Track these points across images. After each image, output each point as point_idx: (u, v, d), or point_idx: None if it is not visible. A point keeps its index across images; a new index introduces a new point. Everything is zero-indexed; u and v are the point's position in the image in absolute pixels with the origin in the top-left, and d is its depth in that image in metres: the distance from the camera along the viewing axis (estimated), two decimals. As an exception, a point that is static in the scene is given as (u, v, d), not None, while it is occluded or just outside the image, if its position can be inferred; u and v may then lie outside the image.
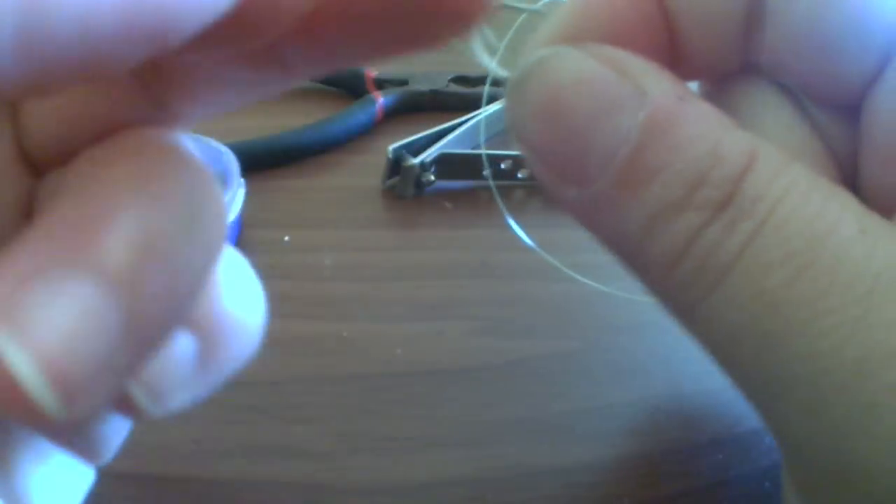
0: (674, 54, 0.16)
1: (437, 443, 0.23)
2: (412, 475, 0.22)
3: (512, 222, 0.29)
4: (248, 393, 0.23)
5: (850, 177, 0.16)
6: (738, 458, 0.23)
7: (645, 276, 0.15)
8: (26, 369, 0.09)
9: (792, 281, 0.12)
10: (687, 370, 0.26)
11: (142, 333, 0.10)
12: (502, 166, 0.35)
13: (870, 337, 0.12)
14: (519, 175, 0.36)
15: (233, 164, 0.31)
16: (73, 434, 0.15)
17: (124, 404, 0.12)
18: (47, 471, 0.16)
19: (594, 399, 0.24)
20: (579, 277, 0.27)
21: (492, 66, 0.15)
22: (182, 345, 0.13)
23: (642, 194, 0.13)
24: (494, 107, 0.39)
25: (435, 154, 0.34)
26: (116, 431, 0.19)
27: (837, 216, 0.13)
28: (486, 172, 0.34)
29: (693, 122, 0.13)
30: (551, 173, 0.14)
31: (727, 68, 0.17)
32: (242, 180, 0.31)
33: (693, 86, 0.17)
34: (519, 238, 0.32)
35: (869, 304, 0.12)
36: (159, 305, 0.10)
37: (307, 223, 0.33)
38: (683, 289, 0.14)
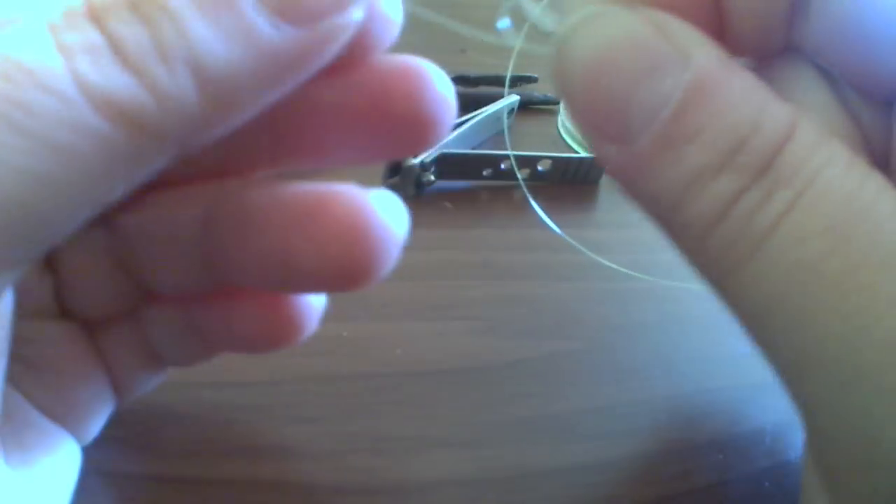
0: (720, 30, 0.16)
1: (437, 443, 0.23)
2: (412, 475, 0.22)
3: (546, 218, 0.29)
4: (248, 393, 0.23)
5: (883, 167, 0.16)
6: (738, 458, 0.23)
7: (681, 239, 0.15)
8: None
9: (827, 254, 0.12)
10: (687, 370, 0.26)
11: None
12: (502, 167, 0.35)
13: None
14: (519, 175, 0.36)
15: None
16: None
17: None
18: (33, 470, 0.17)
19: (594, 399, 0.24)
20: (624, 270, 0.27)
21: (539, 15, 0.15)
22: None
23: (681, 155, 0.13)
24: (494, 107, 0.39)
25: (435, 154, 0.34)
26: (102, 408, 0.20)
27: (875, 194, 0.13)
28: (518, 174, 0.34)
29: (735, 89, 0.13)
30: (593, 129, 0.15)
31: (771, 48, 0.17)
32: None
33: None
34: (520, 238, 0.32)
35: None
36: None
37: (307, 223, 0.33)
38: (720, 254, 0.14)
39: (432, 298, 0.28)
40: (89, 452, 0.19)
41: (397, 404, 0.24)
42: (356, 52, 0.15)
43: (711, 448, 0.23)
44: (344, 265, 0.15)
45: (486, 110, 0.38)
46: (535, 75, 0.43)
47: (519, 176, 0.35)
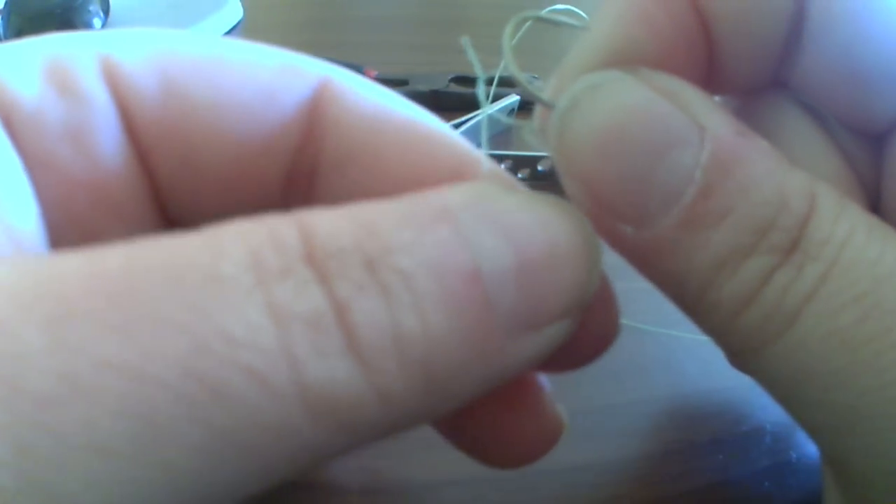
0: (710, 67, 0.16)
1: (437, 443, 0.23)
2: (412, 475, 0.22)
3: None
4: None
5: (874, 198, 0.16)
6: (738, 458, 0.23)
7: (706, 319, 0.14)
8: None
9: (861, 320, 0.12)
10: (687, 370, 0.26)
11: None
12: (503, 167, 0.35)
13: None
14: (519, 175, 0.36)
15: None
16: None
17: None
18: None
19: (594, 399, 0.24)
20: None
21: (519, 75, 0.14)
22: None
23: (710, 238, 0.13)
24: (494, 107, 0.39)
25: (435, 154, 0.34)
26: None
27: (895, 256, 0.13)
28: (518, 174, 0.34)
29: (756, 162, 0.13)
30: (605, 210, 0.14)
31: (759, 84, 0.17)
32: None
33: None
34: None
35: None
36: None
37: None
38: (751, 333, 0.13)
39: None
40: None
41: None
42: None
43: (711, 448, 0.23)
44: (519, 456, 0.16)
45: (486, 110, 0.38)
46: (536, 76, 0.43)
47: (519, 176, 0.35)
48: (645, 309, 0.28)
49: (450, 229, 0.11)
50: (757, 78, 0.16)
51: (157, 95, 0.14)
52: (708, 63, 0.15)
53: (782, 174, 0.13)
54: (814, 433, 0.15)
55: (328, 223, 0.10)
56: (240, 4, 0.55)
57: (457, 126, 0.36)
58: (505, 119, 0.26)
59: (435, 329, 0.10)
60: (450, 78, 0.43)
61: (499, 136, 0.40)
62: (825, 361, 0.13)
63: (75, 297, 0.09)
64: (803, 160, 0.15)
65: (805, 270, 0.13)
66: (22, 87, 0.13)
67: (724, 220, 0.13)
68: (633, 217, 0.13)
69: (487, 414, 0.15)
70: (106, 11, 0.50)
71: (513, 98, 0.40)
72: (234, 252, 0.10)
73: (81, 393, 0.08)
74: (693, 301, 0.14)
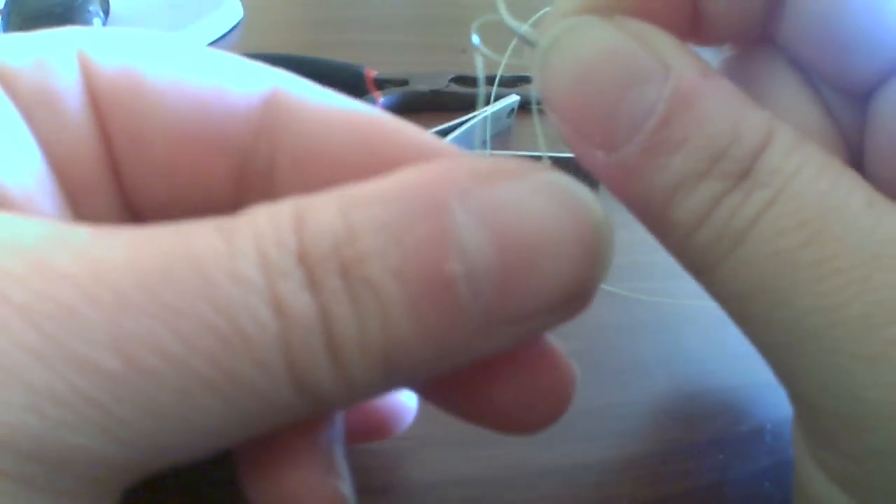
0: (695, 20, 0.16)
1: (437, 443, 0.23)
2: (412, 475, 0.22)
3: None
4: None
5: (857, 156, 0.17)
6: (738, 458, 0.23)
7: (667, 237, 0.15)
8: None
9: (804, 244, 0.13)
10: (687, 370, 0.26)
11: None
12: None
13: (873, 296, 0.13)
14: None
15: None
16: None
17: None
18: None
19: (594, 399, 0.24)
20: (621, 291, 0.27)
21: (520, 28, 0.16)
22: None
23: (666, 163, 0.14)
24: (494, 107, 0.39)
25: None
26: None
27: (847, 192, 0.14)
28: None
29: (715, 99, 0.14)
30: (579, 137, 0.15)
31: (746, 38, 0.17)
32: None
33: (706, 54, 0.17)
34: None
35: (874, 266, 0.13)
36: None
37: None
38: (704, 250, 0.15)
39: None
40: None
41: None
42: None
43: (711, 448, 0.23)
44: (532, 421, 0.16)
45: (486, 110, 0.38)
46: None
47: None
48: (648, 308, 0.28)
49: (432, 228, 0.12)
50: (742, 32, 0.17)
51: (119, 81, 0.15)
52: (691, 16, 0.16)
53: (739, 110, 0.14)
54: (765, 352, 0.15)
55: (317, 220, 0.12)
56: (240, 4, 0.55)
57: (457, 126, 0.36)
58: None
59: (400, 334, 0.12)
60: (450, 78, 0.43)
61: (499, 137, 0.40)
62: (770, 281, 0.14)
63: (128, 288, 0.11)
64: (787, 113, 0.17)
65: (753, 195, 0.14)
66: (9, 59, 0.14)
67: (680, 148, 0.14)
68: (602, 143, 0.15)
69: (494, 378, 0.16)
70: (106, 11, 0.50)
71: (513, 98, 0.40)
72: (246, 249, 0.11)
73: (138, 372, 0.11)
74: (655, 220, 0.15)
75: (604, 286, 0.27)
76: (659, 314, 0.28)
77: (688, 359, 0.26)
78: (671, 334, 0.27)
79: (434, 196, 0.12)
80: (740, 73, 0.18)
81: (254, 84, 0.16)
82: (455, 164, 0.13)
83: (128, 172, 0.16)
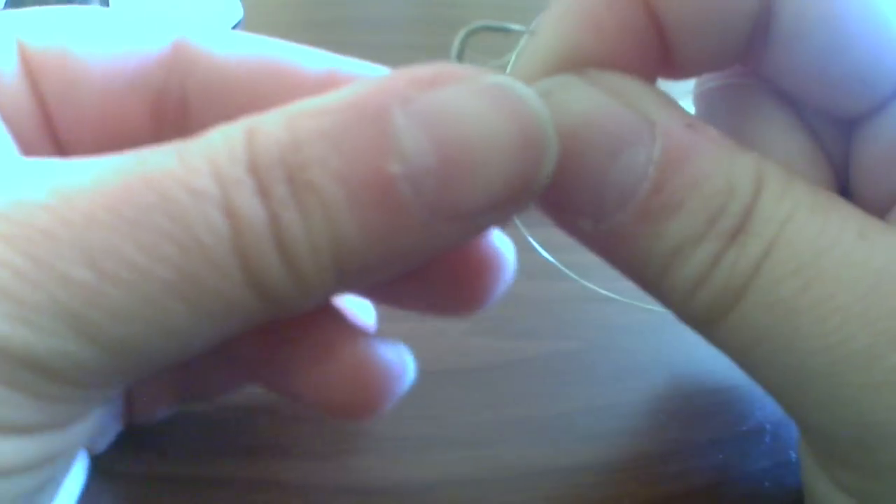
0: (665, 56, 0.16)
1: (437, 443, 0.23)
2: (412, 475, 0.22)
3: (518, 224, 0.29)
4: (249, 393, 0.23)
5: (842, 173, 0.17)
6: (738, 458, 0.23)
7: (665, 300, 0.15)
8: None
9: (803, 289, 0.13)
10: (687, 370, 0.26)
11: None
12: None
13: (875, 327, 0.13)
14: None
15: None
16: None
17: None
18: None
19: (594, 399, 0.24)
20: (583, 281, 0.27)
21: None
22: None
23: (663, 229, 0.14)
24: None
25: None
26: (114, 430, 0.20)
27: (838, 228, 0.14)
28: None
29: (706, 154, 0.14)
30: (565, 208, 0.15)
31: (720, 69, 0.17)
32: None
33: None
34: (519, 238, 0.32)
35: (872, 298, 0.13)
36: None
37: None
38: (706, 310, 0.14)
39: (432, 298, 0.28)
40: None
41: (397, 404, 0.24)
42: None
43: (711, 448, 0.23)
44: (346, 409, 0.17)
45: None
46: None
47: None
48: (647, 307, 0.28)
49: (371, 133, 0.12)
50: (714, 67, 0.17)
51: (48, 52, 0.16)
52: (661, 56, 0.16)
53: (730, 162, 0.14)
54: (771, 391, 0.15)
55: (266, 134, 0.12)
56: (240, 4, 0.55)
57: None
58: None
59: (345, 234, 0.12)
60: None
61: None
62: (773, 329, 0.14)
63: (95, 209, 0.12)
64: (774, 144, 0.16)
65: (748, 249, 0.14)
66: None
67: (676, 213, 0.14)
68: (591, 213, 0.14)
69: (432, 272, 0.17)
70: (106, 11, 0.50)
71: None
72: (200, 165, 0.12)
73: (107, 280, 0.12)
74: (652, 285, 0.15)
75: (605, 292, 0.27)
76: (659, 315, 0.28)
77: (688, 359, 0.26)
78: (671, 334, 0.27)
79: (374, 104, 0.12)
80: (721, 102, 0.18)
81: (161, 34, 0.17)
82: (398, 74, 0.13)
83: (62, 129, 0.17)
